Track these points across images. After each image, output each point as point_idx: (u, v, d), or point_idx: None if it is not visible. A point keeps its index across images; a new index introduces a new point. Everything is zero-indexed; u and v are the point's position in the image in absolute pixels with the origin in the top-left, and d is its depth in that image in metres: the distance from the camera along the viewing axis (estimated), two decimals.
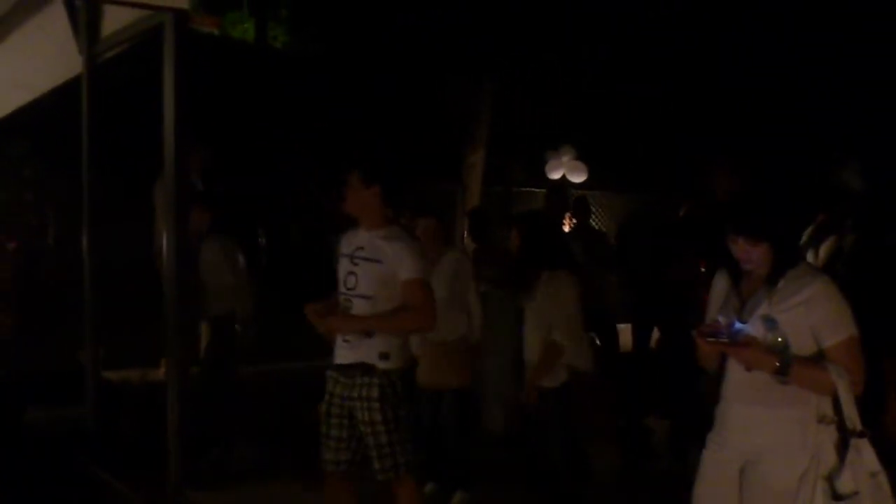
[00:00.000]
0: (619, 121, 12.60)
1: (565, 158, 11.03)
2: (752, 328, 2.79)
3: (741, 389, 2.87)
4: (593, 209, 9.79)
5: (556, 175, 11.01)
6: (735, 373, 2.87)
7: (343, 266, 3.74)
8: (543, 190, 11.19)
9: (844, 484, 2.70)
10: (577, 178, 11.10)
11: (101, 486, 3.30)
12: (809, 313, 2.76)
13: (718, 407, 2.96)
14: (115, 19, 3.39)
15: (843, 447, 2.72)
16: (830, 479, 2.71)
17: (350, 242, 3.76)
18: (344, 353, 3.72)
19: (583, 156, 11.25)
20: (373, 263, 3.62)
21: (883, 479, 2.74)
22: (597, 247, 7.38)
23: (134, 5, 2.84)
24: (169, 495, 2.68)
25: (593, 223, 10.45)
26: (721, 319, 2.86)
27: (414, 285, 3.60)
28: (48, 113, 4.66)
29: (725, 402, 2.93)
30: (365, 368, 3.65)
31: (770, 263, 2.85)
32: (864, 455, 2.73)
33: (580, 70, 12.12)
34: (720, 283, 3.03)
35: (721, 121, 12.23)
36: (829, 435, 2.74)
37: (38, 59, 3.94)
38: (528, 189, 11.19)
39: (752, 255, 2.87)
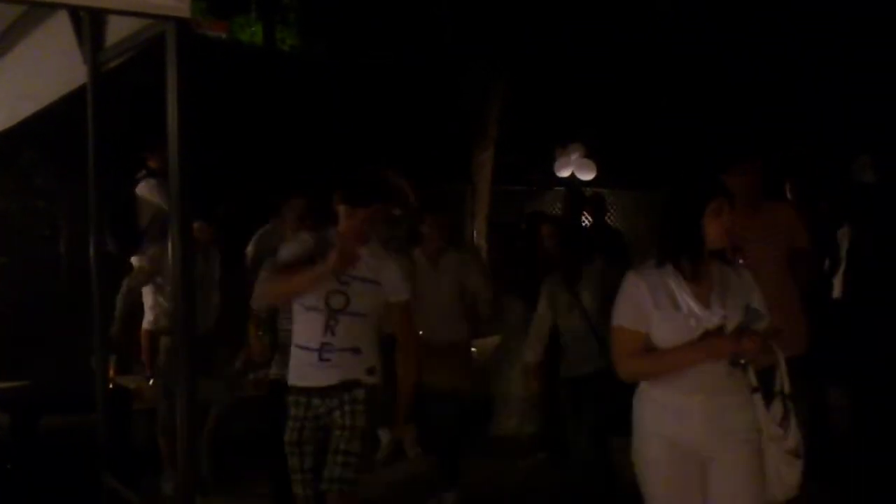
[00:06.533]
0: (626, 117, 12.58)
1: (574, 156, 11.01)
2: (733, 316, 2.88)
3: (707, 380, 2.89)
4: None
5: (564, 173, 10.98)
6: (705, 364, 2.88)
7: (323, 282, 3.51)
8: (555, 189, 11.23)
9: (791, 442, 2.92)
10: (586, 175, 11.09)
11: (111, 492, 3.32)
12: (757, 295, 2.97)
13: (665, 401, 2.93)
14: (119, 28, 3.38)
15: (785, 412, 2.92)
16: (778, 440, 2.91)
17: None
18: (321, 374, 3.51)
19: (591, 153, 11.23)
20: (372, 285, 3.53)
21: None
22: (611, 246, 7.36)
23: (137, 15, 2.82)
24: (178, 502, 2.70)
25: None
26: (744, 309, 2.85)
27: (406, 307, 3.63)
28: (59, 121, 4.69)
29: (683, 395, 2.90)
30: (348, 384, 3.49)
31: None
32: (796, 412, 2.97)
33: (587, 66, 12.10)
34: (653, 278, 2.93)
35: (729, 115, 12.18)
36: (758, 401, 2.92)
37: (44, 70, 3.94)
38: (537, 188, 11.19)
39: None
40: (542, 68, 11.80)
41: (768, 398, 2.93)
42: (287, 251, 3.75)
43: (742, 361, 2.86)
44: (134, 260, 6.68)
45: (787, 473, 2.94)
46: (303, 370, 3.55)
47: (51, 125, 5.20)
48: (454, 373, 4.95)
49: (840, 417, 5.59)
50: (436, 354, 4.77)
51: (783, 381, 2.95)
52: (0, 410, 4.88)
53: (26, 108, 4.25)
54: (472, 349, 6.51)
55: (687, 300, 2.88)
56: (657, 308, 2.89)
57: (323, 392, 3.50)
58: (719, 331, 2.85)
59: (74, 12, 3.52)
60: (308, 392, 3.53)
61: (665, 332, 2.90)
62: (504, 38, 10.47)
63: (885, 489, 4.67)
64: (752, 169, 4.14)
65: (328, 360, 3.47)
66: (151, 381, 6.65)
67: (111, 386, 4.86)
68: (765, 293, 3.01)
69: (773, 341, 2.86)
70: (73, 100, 3.82)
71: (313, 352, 3.50)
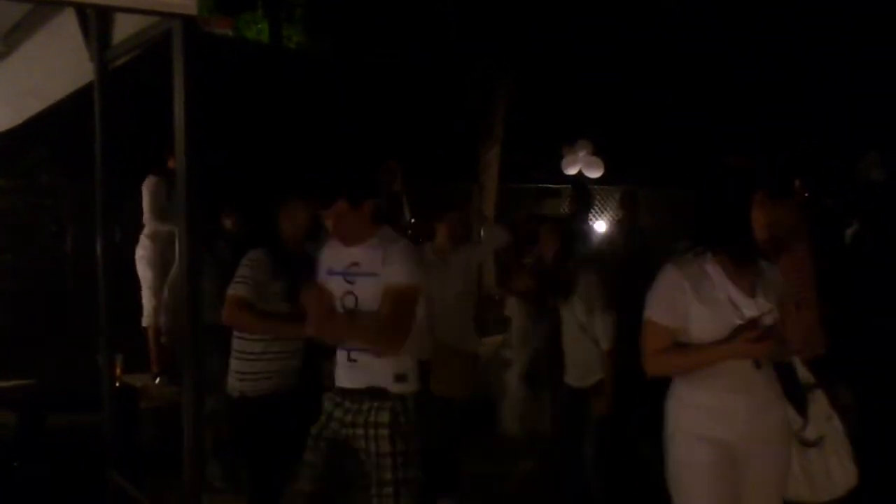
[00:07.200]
0: (632, 115, 12.55)
1: (582, 153, 10.98)
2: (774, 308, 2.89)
3: (744, 379, 2.87)
4: (608, 204, 9.73)
5: (572, 171, 10.94)
6: (738, 363, 2.86)
7: (336, 285, 3.39)
8: (561, 186, 11.20)
9: (811, 432, 2.98)
10: (594, 173, 11.05)
11: (117, 491, 3.31)
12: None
13: (705, 403, 2.91)
14: (126, 26, 3.38)
15: (803, 402, 3.00)
16: (797, 432, 2.98)
17: (338, 258, 3.41)
18: (350, 376, 3.36)
19: (599, 150, 11.19)
20: (370, 278, 3.29)
21: (837, 421, 3.08)
22: (627, 243, 7.34)
23: (143, 12, 2.81)
24: (185, 502, 2.68)
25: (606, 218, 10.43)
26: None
27: (397, 292, 3.23)
28: (66, 119, 4.69)
29: (725, 395, 2.88)
30: (375, 393, 3.28)
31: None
32: (820, 403, 3.03)
33: (593, 64, 12.07)
34: (693, 269, 2.88)
35: (735, 113, 12.15)
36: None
37: (50, 68, 3.94)
38: (544, 185, 11.16)
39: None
40: (548, 66, 11.76)
41: (800, 393, 2.98)
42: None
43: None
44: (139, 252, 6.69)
45: (836, 473, 2.97)
46: (338, 371, 3.43)
47: (57, 123, 5.20)
48: (454, 376, 4.89)
49: (845, 417, 5.56)
50: (438, 355, 4.72)
51: (803, 372, 3.00)
52: (7, 409, 4.88)
53: (33, 106, 4.25)
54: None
55: (729, 291, 2.84)
56: (699, 299, 2.84)
57: (352, 395, 3.34)
58: (756, 322, 2.80)
59: (81, 10, 3.51)
60: (341, 393, 3.39)
61: (707, 324, 2.84)
62: (510, 36, 10.44)
63: (889, 489, 4.64)
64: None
65: (355, 360, 3.34)
66: (157, 380, 6.66)
67: (118, 384, 4.86)
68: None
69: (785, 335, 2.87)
70: (79, 98, 3.81)
71: (345, 350, 3.39)
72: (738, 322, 2.80)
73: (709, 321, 2.84)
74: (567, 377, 4.70)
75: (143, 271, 6.64)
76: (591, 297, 4.50)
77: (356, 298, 3.33)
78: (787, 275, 3.89)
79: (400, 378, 3.31)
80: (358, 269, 3.35)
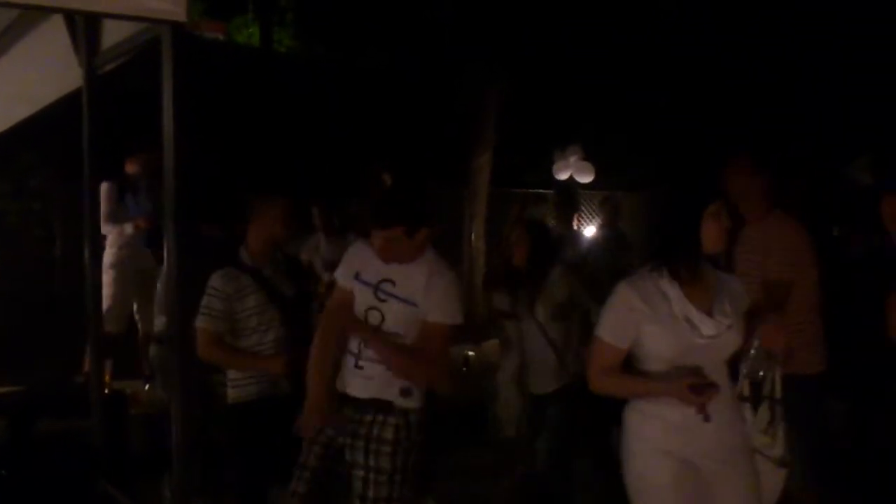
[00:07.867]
0: (625, 118, 12.56)
1: (572, 158, 11.02)
2: (735, 324, 2.85)
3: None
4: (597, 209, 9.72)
5: (563, 176, 10.97)
6: (710, 377, 2.82)
7: (363, 296, 3.25)
8: (551, 191, 11.21)
9: (778, 450, 2.93)
10: (585, 178, 11.07)
11: (106, 498, 3.30)
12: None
13: (670, 418, 2.83)
14: (114, 32, 3.38)
15: (772, 418, 2.91)
16: (765, 448, 2.91)
17: (371, 266, 3.25)
18: (355, 383, 3.26)
19: (590, 155, 11.22)
20: (407, 305, 3.18)
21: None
22: (605, 250, 7.34)
23: (132, 18, 2.81)
24: None
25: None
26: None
27: (443, 331, 3.18)
28: (55, 123, 4.68)
29: (689, 411, 2.79)
30: (380, 405, 3.19)
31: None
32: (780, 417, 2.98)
33: (586, 67, 12.09)
34: (648, 286, 2.83)
35: (727, 116, 12.18)
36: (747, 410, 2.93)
37: (40, 73, 3.94)
38: (535, 190, 11.18)
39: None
40: (540, 71, 11.77)
41: (756, 403, 2.88)
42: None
43: (761, 374, 2.80)
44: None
45: (768, 481, 2.91)
46: (344, 375, 3.31)
47: (47, 127, 5.18)
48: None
49: (836, 423, 5.57)
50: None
51: (775, 386, 2.88)
52: None
53: (22, 111, 4.25)
54: (471, 352, 6.50)
55: (685, 307, 2.75)
56: (654, 318, 2.76)
57: (356, 404, 3.24)
58: (701, 372, 2.75)
59: (70, 16, 3.51)
60: (344, 398, 3.28)
61: (662, 342, 2.77)
62: (502, 40, 10.44)
63: (884, 495, 4.65)
64: (754, 169, 4.02)
65: (361, 367, 3.22)
66: (147, 386, 6.63)
67: (107, 391, 4.84)
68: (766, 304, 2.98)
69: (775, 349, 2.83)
70: (70, 102, 3.81)
71: (353, 356, 3.27)
72: (697, 340, 2.74)
73: (664, 340, 2.77)
74: (530, 385, 4.66)
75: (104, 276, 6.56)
76: (558, 303, 4.43)
77: (382, 317, 3.21)
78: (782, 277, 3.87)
79: (406, 392, 3.20)
80: (392, 289, 3.21)
